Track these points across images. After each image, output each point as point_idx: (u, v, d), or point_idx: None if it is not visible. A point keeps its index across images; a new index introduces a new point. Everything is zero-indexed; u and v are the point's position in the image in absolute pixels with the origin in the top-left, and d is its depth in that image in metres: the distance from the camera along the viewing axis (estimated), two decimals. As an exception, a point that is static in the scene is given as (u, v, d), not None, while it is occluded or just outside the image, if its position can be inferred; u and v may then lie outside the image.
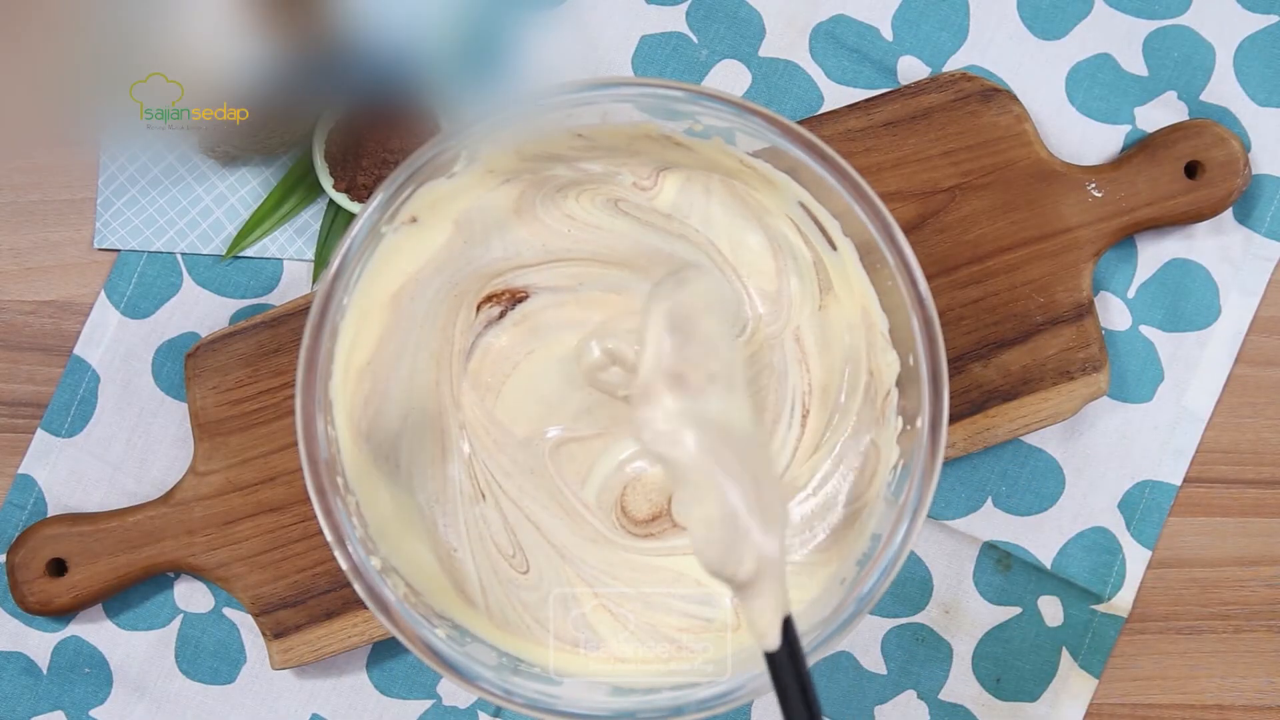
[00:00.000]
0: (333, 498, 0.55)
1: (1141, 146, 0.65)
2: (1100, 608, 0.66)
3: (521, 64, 0.68)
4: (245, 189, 0.67)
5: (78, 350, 0.67)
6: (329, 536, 0.55)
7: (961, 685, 0.66)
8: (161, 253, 0.67)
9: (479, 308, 0.59)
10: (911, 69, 0.67)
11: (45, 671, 0.66)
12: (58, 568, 0.64)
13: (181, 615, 0.67)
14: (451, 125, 0.64)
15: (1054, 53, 0.67)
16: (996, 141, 0.64)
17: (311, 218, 0.67)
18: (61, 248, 0.68)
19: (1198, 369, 0.66)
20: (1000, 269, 0.64)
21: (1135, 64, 0.67)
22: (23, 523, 0.67)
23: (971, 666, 0.66)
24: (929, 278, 0.56)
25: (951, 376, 0.63)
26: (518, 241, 0.60)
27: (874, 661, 0.66)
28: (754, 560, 0.46)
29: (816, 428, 0.59)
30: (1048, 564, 0.66)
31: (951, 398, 0.59)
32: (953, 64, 0.67)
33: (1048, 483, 0.66)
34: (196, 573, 0.64)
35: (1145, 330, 0.67)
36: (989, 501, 0.66)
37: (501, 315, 0.60)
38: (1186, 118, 0.67)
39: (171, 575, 0.67)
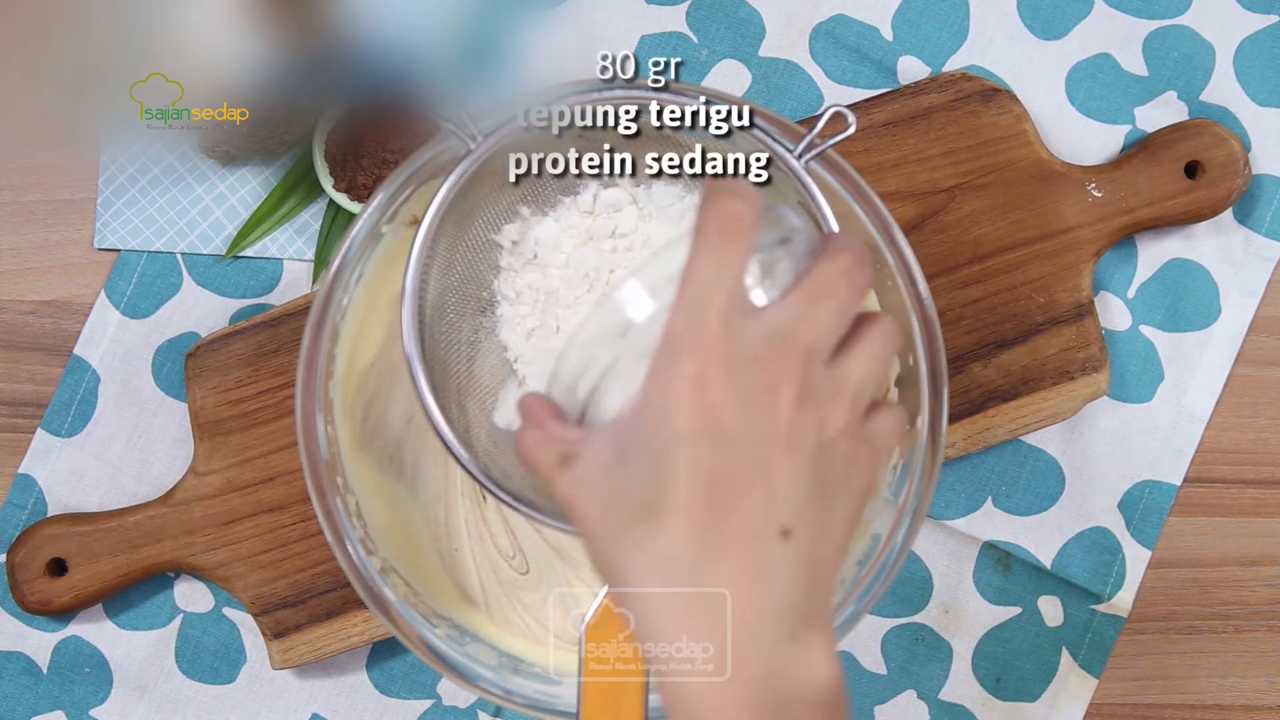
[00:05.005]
0: (333, 498, 0.55)
1: (1141, 146, 0.65)
2: (1100, 608, 0.66)
3: (521, 64, 0.67)
4: (245, 189, 0.67)
5: (78, 350, 0.67)
6: (329, 536, 0.55)
7: (961, 685, 0.66)
8: (161, 253, 0.67)
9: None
10: (911, 69, 0.67)
11: (45, 671, 0.66)
12: (58, 568, 0.64)
13: (181, 615, 0.67)
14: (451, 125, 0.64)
15: (1054, 53, 0.67)
16: (996, 141, 0.64)
17: (311, 218, 0.67)
18: (61, 248, 0.68)
19: (1198, 369, 0.66)
20: (1000, 269, 0.64)
21: (1135, 64, 0.67)
22: (23, 523, 0.67)
23: (971, 666, 0.66)
24: (929, 278, 0.56)
25: (951, 376, 0.63)
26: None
27: (874, 661, 0.66)
28: None
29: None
30: (1048, 564, 0.66)
31: (951, 398, 0.59)
32: (953, 64, 0.67)
33: (1048, 483, 0.66)
34: (196, 573, 0.64)
35: (1145, 330, 0.67)
36: (989, 501, 0.66)
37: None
38: (1186, 118, 0.67)
39: (171, 575, 0.67)
